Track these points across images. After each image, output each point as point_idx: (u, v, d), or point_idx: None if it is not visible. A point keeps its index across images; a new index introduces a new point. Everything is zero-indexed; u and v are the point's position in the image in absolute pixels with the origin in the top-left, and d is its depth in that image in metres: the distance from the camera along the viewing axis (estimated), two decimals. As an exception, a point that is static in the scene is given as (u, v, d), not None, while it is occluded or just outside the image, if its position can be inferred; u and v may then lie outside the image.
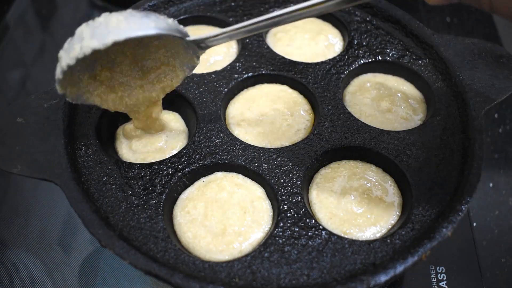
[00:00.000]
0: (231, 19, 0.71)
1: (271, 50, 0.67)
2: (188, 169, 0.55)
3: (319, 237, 0.49)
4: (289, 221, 0.50)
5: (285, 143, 0.58)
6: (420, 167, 0.54)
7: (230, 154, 0.56)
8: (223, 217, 0.51)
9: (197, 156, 0.56)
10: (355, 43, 0.68)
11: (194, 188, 0.55)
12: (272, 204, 0.53)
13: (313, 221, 0.51)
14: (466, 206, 0.49)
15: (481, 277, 0.61)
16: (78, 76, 0.50)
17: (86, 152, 0.55)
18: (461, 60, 0.62)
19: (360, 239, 0.50)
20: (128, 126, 0.59)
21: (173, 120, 0.61)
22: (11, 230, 0.69)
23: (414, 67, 0.65)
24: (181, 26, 0.50)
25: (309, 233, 0.50)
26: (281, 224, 0.50)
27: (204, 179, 0.55)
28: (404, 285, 0.61)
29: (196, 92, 0.62)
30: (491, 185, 0.77)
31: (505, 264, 0.68)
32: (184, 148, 0.57)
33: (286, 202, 0.52)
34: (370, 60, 0.66)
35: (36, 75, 0.93)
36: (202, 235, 0.50)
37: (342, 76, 0.64)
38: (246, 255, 0.48)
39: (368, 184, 0.55)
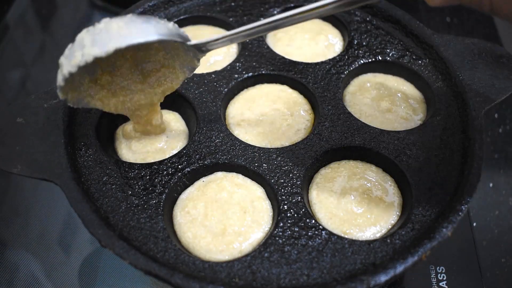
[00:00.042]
0: (231, 19, 0.71)
1: (271, 50, 0.67)
2: (188, 169, 0.55)
3: (319, 237, 0.49)
4: (289, 221, 0.50)
5: (285, 143, 0.58)
6: (420, 167, 0.54)
7: (230, 154, 0.56)
8: (223, 217, 0.51)
9: (197, 156, 0.56)
10: (355, 43, 0.68)
11: (194, 188, 0.55)
12: (272, 204, 0.53)
13: (313, 221, 0.51)
14: (466, 206, 0.49)
15: (481, 277, 0.61)
16: (79, 80, 0.50)
17: (86, 152, 0.55)
18: (461, 60, 0.62)
19: (360, 239, 0.50)
20: (128, 127, 0.59)
21: (173, 119, 0.61)
22: (11, 230, 0.69)
23: (414, 67, 0.65)
24: (182, 30, 0.50)
25: (309, 233, 0.50)
26: (281, 224, 0.50)
27: (204, 179, 0.55)
28: (404, 285, 0.61)
29: (196, 92, 0.62)
30: (491, 185, 0.77)
31: (505, 264, 0.68)
32: (184, 148, 0.57)
33: (286, 202, 0.52)
34: (370, 60, 0.66)
35: (36, 75, 0.93)
36: (202, 235, 0.50)
37: (342, 76, 0.64)
38: (246, 255, 0.48)
39: (368, 184, 0.55)
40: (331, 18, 0.72)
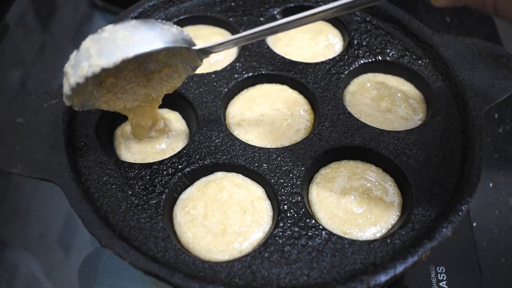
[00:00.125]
0: (231, 19, 0.71)
1: (271, 50, 0.67)
2: (188, 169, 0.55)
3: (319, 237, 0.49)
4: (289, 221, 0.50)
5: (285, 143, 0.58)
6: (420, 167, 0.54)
7: (230, 154, 0.56)
8: (223, 217, 0.51)
9: (197, 156, 0.56)
10: (355, 43, 0.68)
11: (194, 188, 0.55)
12: (272, 204, 0.53)
13: (313, 221, 0.51)
14: (466, 206, 0.49)
15: (481, 277, 0.61)
16: (84, 86, 0.50)
17: (86, 152, 0.55)
18: (461, 60, 0.62)
19: (360, 239, 0.50)
20: (128, 128, 0.59)
21: (174, 119, 0.61)
22: (11, 230, 0.69)
23: (414, 67, 0.65)
24: (186, 33, 0.50)
25: (309, 233, 0.50)
26: (281, 224, 0.50)
27: (204, 179, 0.55)
28: (404, 285, 0.61)
29: (196, 92, 0.62)
30: (491, 185, 0.77)
31: (505, 264, 0.68)
32: (184, 148, 0.57)
33: (286, 202, 0.52)
34: (370, 60, 0.66)
35: (36, 75, 0.93)
36: (202, 235, 0.50)
37: (342, 76, 0.64)
38: (246, 255, 0.48)
39: (368, 184, 0.55)
40: (331, 18, 0.72)
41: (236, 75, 0.64)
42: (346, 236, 0.50)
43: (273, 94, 0.63)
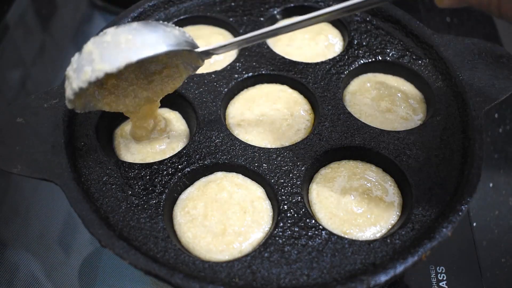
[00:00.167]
0: (231, 19, 0.71)
1: (271, 50, 0.67)
2: (188, 169, 0.55)
3: (319, 237, 0.49)
4: (289, 221, 0.50)
5: (285, 143, 0.58)
6: (420, 167, 0.54)
7: (230, 154, 0.56)
8: (223, 217, 0.51)
9: (197, 156, 0.56)
10: (355, 43, 0.68)
11: (194, 188, 0.55)
12: (272, 204, 0.53)
13: (313, 221, 0.51)
14: (466, 206, 0.49)
15: (481, 277, 0.61)
16: (86, 89, 0.50)
17: (86, 152, 0.55)
18: (461, 60, 0.62)
19: (360, 239, 0.50)
20: (128, 128, 0.59)
21: (174, 119, 0.61)
22: (11, 230, 0.69)
23: (414, 67, 0.65)
24: (188, 35, 0.50)
25: (309, 233, 0.50)
26: (281, 224, 0.50)
27: (204, 179, 0.55)
28: (404, 285, 0.61)
29: (196, 92, 0.62)
30: (491, 185, 0.77)
31: (505, 264, 0.68)
32: (184, 148, 0.56)
33: (286, 202, 0.52)
34: (370, 60, 0.66)
35: (36, 75, 0.93)
36: (202, 235, 0.50)
37: (342, 76, 0.64)
38: (246, 255, 0.48)
39: (368, 184, 0.55)
40: (331, 18, 0.72)
41: (236, 75, 0.64)
42: (346, 236, 0.50)
43: (273, 94, 0.63)
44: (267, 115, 0.61)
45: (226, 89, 0.62)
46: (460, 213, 0.48)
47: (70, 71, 0.47)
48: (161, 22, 0.49)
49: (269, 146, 0.58)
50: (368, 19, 0.70)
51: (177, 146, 0.58)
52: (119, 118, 0.60)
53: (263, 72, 0.64)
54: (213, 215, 0.52)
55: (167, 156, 0.57)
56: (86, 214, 0.48)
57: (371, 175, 0.55)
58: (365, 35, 0.69)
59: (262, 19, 0.71)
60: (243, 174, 0.56)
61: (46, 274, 0.65)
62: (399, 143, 0.57)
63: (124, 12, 0.68)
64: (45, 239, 0.68)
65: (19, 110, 0.56)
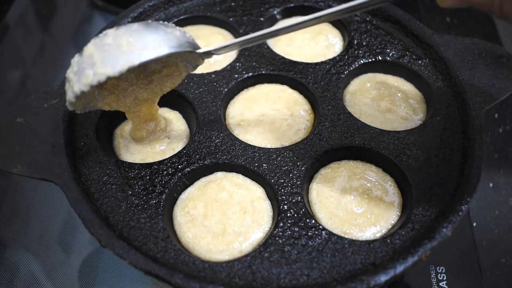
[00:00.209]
0: (231, 19, 0.71)
1: (271, 50, 0.67)
2: (188, 169, 0.55)
3: (319, 237, 0.49)
4: (289, 221, 0.50)
5: (285, 143, 0.58)
6: (420, 167, 0.54)
7: (230, 154, 0.56)
8: (223, 217, 0.51)
9: (197, 156, 0.56)
10: (355, 43, 0.68)
11: (194, 188, 0.55)
12: (272, 204, 0.53)
13: (313, 221, 0.51)
14: (466, 206, 0.49)
15: (481, 277, 0.61)
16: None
17: (86, 152, 0.55)
18: (461, 60, 0.62)
19: (360, 239, 0.50)
20: (127, 128, 0.59)
21: (174, 118, 0.61)
22: (11, 230, 0.69)
23: (414, 67, 0.65)
24: (188, 35, 0.50)
25: (309, 233, 0.50)
26: (281, 224, 0.50)
27: (204, 179, 0.55)
28: (404, 285, 0.61)
29: (196, 92, 0.62)
30: (491, 185, 0.77)
31: (505, 264, 0.68)
32: (184, 148, 0.56)
33: (286, 202, 0.52)
34: (370, 60, 0.66)
35: (36, 75, 0.93)
36: (202, 235, 0.50)
37: (342, 76, 0.64)
38: (246, 255, 0.48)
39: (368, 184, 0.55)
40: (331, 18, 0.72)
41: (236, 75, 0.64)
42: (346, 236, 0.50)
43: (273, 94, 0.63)
44: (267, 115, 0.61)
45: (226, 89, 0.62)
46: (460, 213, 0.48)
47: (70, 73, 0.46)
48: (161, 22, 0.49)
49: (269, 146, 0.58)
50: (368, 19, 0.70)
51: (177, 146, 0.58)
52: (119, 118, 0.60)
53: (263, 72, 0.64)
54: (213, 215, 0.52)
55: (167, 156, 0.57)
56: (86, 214, 0.48)
57: (371, 175, 0.55)
58: (365, 35, 0.69)
59: (262, 19, 0.71)
60: (243, 174, 0.56)
61: (46, 274, 0.65)
62: (399, 143, 0.57)
63: (124, 12, 0.68)
64: (45, 239, 0.68)
65: (19, 110, 0.56)
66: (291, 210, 0.51)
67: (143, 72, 0.53)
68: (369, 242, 0.49)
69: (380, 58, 0.66)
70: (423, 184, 0.53)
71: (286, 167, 0.55)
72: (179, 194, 0.55)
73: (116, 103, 0.53)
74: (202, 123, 0.59)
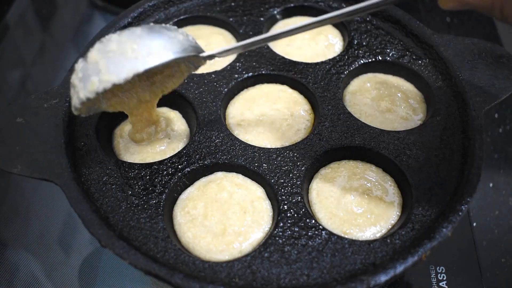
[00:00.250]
0: (231, 19, 0.71)
1: (271, 50, 0.67)
2: (188, 169, 0.55)
3: (319, 237, 0.49)
4: (289, 221, 0.50)
5: (285, 143, 0.58)
6: (420, 167, 0.54)
7: (230, 154, 0.56)
8: (223, 217, 0.51)
9: (197, 156, 0.56)
10: (355, 43, 0.68)
11: (194, 188, 0.55)
12: (272, 204, 0.53)
13: (313, 221, 0.51)
14: (466, 206, 0.49)
15: (481, 277, 0.61)
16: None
17: (86, 152, 0.55)
18: (461, 60, 0.62)
19: (360, 239, 0.50)
20: (127, 128, 0.59)
21: (175, 118, 0.61)
22: (11, 230, 0.69)
23: (414, 67, 0.65)
24: (191, 37, 0.50)
25: (309, 233, 0.50)
26: (281, 224, 0.50)
27: (204, 179, 0.55)
28: (404, 285, 0.61)
29: (196, 92, 0.62)
30: (491, 185, 0.77)
31: (505, 264, 0.68)
32: (184, 148, 0.57)
33: (286, 202, 0.52)
34: (370, 60, 0.66)
35: (36, 75, 0.93)
36: (202, 235, 0.50)
37: (342, 76, 0.64)
38: (246, 255, 0.48)
39: (368, 184, 0.55)
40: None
41: (236, 75, 0.64)
42: (346, 236, 0.50)
43: (273, 94, 0.63)
44: (267, 115, 0.61)
45: (226, 89, 0.62)
46: (460, 213, 0.48)
47: (75, 79, 0.46)
48: (163, 25, 0.49)
49: (269, 146, 0.58)
50: (368, 19, 0.70)
51: (177, 146, 0.58)
52: (119, 118, 0.60)
53: (263, 72, 0.64)
54: (213, 215, 0.52)
55: (167, 156, 0.57)
56: (86, 214, 0.48)
57: (371, 175, 0.55)
58: (365, 35, 0.69)
59: (262, 19, 0.71)
60: (243, 174, 0.56)
61: (46, 274, 0.65)
62: (399, 143, 0.57)
63: (124, 12, 0.68)
64: (45, 239, 0.68)
65: (19, 110, 0.56)
66: (291, 210, 0.51)
67: (146, 73, 0.53)
68: (369, 242, 0.49)
69: (380, 58, 0.66)
70: (423, 184, 0.53)
71: (286, 167, 0.55)
72: (179, 194, 0.55)
73: (120, 105, 0.53)
74: (202, 123, 0.59)
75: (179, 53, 0.48)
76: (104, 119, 0.59)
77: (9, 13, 1.01)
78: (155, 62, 0.46)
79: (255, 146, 0.57)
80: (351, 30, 0.69)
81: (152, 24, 0.49)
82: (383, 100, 0.63)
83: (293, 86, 0.64)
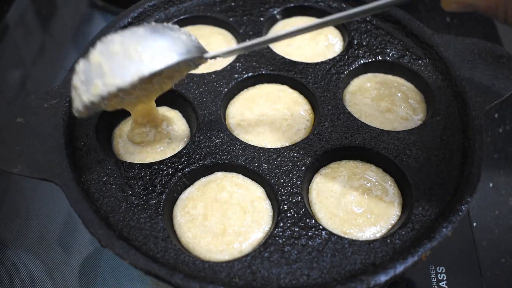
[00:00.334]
0: (231, 19, 0.71)
1: (271, 50, 0.67)
2: (188, 169, 0.55)
3: (319, 237, 0.49)
4: (289, 221, 0.50)
5: (285, 143, 0.58)
6: (420, 167, 0.54)
7: (230, 154, 0.56)
8: (223, 217, 0.51)
9: (197, 156, 0.56)
10: (355, 43, 0.68)
11: (194, 188, 0.55)
12: (272, 204, 0.53)
13: (313, 221, 0.51)
14: (466, 206, 0.49)
15: (481, 277, 0.61)
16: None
17: (86, 152, 0.55)
18: (461, 60, 0.62)
19: (360, 239, 0.50)
20: (127, 128, 0.59)
21: (175, 117, 0.61)
22: (11, 230, 0.69)
23: (414, 67, 0.65)
24: (194, 37, 0.50)
25: (309, 233, 0.50)
26: (281, 224, 0.50)
27: (204, 179, 0.55)
28: (404, 285, 0.61)
29: (196, 92, 0.62)
30: (491, 185, 0.77)
31: (505, 264, 0.68)
32: (184, 148, 0.57)
33: (286, 202, 0.52)
34: (370, 60, 0.66)
35: (36, 75, 0.93)
36: (202, 235, 0.50)
37: (342, 76, 0.64)
38: (246, 255, 0.48)
39: (368, 184, 0.55)
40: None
41: (236, 75, 0.64)
42: (346, 236, 0.50)
43: (273, 94, 0.63)
44: (267, 115, 0.61)
45: (226, 89, 0.62)
46: (460, 213, 0.48)
47: (77, 82, 0.45)
48: (166, 25, 0.49)
49: (269, 146, 0.58)
50: (368, 19, 0.70)
51: (177, 146, 0.58)
52: (119, 118, 0.60)
53: (263, 72, 0.64)
54: (213, 215, 0.52)
55: (167, 156, 0.57)
56: (86, 214, 0.48)
57: (371, 175, 0.55)
58: (365, 35, 0.69)
59: (262, 19, 0.71)
60: (243, 174, 0.56)
61: (46, 274, 0.65)
62: (399, 143, 0.57)
63: (124, 12, 0.68)
64: (45, 239, 0.68)
65: (19, 110, 0.56)
66: (291, 210, 0.51)
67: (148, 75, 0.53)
68: (369, 242, 0.49)
69: (380, 58, 0.66)
70: (423, 184, 0.53)
71: (286, 167, 0.55)
72: (179, 194, 0.55)
73: (119, 104, 0.53)
74: (202, 123, 0.59)
75: (184, 54, 0.47)
76: (104, 119, 0.59)
77: (9, 13, 1.01)
78: (161, 65, 0.45)
79: (255, 146, 0.57)
80: (351, 30, 0.69)
81: (153, 23, 0.49)
82: (383, 100, 0.63)
83: (293, 86, 0.64)
